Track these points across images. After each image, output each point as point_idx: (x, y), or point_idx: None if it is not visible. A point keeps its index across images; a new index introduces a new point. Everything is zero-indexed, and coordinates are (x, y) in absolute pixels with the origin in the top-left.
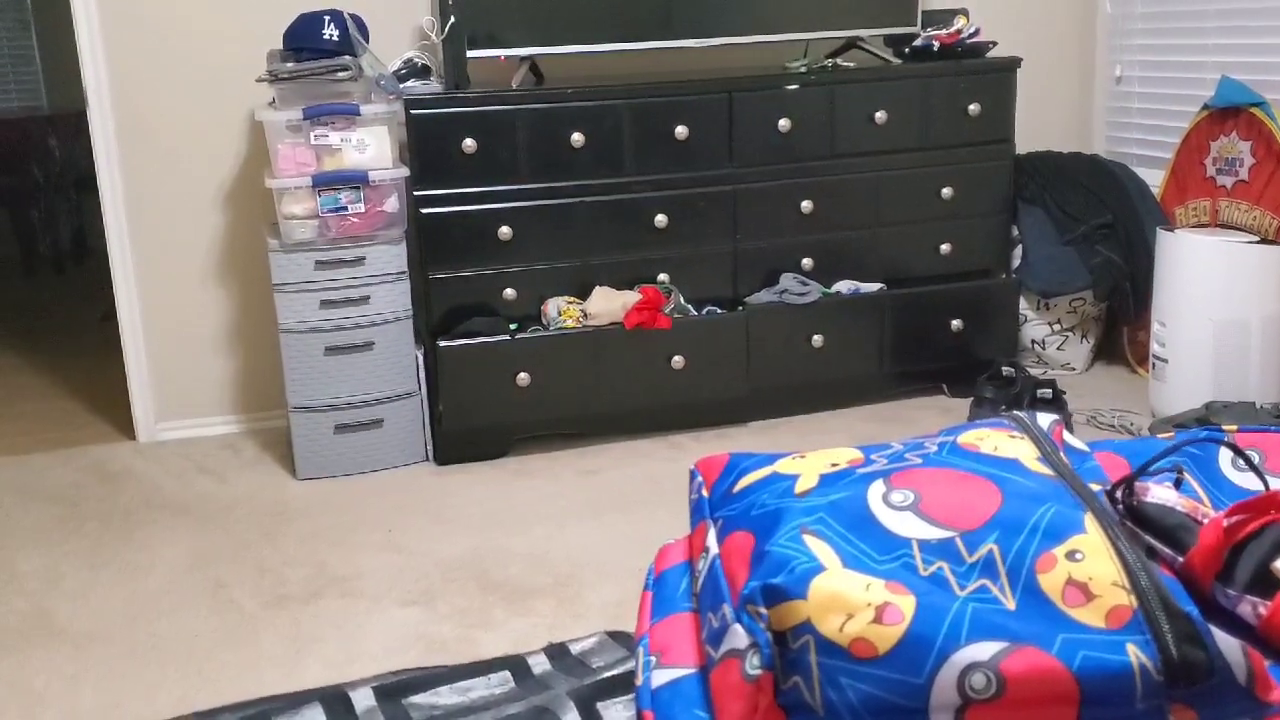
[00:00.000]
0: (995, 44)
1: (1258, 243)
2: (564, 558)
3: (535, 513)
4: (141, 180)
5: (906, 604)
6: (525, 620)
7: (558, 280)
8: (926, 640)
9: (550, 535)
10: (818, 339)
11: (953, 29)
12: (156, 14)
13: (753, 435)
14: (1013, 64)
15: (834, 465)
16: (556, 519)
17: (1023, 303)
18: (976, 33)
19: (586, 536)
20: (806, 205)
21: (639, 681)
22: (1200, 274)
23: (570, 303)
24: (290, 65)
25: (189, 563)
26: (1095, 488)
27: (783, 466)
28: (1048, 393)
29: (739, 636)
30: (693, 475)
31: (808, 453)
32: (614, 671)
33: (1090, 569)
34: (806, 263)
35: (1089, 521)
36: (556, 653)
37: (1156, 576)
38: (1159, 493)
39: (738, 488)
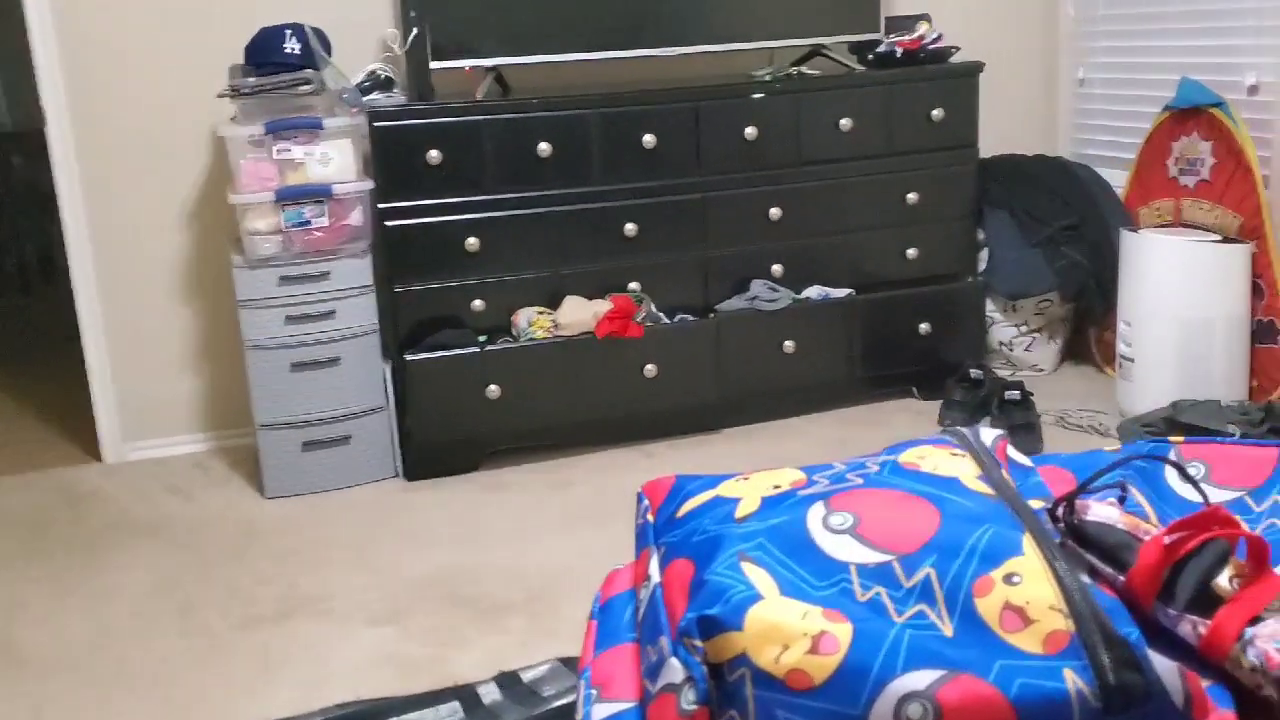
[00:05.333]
0: (958, 49)
1: (1220, 242)
2: (537, 573)
3: (508, 527)
4: (103, 198)
5: (843, 632)
6: (498, 638)
7: (527, 291)
8: (863, 670)
9: (523, 550)
10: (789, 345)
11: (915, 35)
12: (115, 30)
13: (726, 442)
14: (976, 69)
15: (776, 487)
16: (529, 533)
17: (990, 305)
18: (939, 38)
19: (560, 550)
20: (775, 212)
21: (579, 716)
22: (1165, 274)
23: (540, 313)
24: (252, 80)
25: (157, 585)
26: (1037, 505)
27: (726, 490)
28: (1016, 394)
29: (675, 670)
30: (639, 499)
31: (752, 474)
32: (564, 700)
33: (1028, 592)
34: (776, 269)
35: (1027, 543)
36: (507, 681)
37: (1094, 600)
38: (1100, 510)
39: (681, 512)
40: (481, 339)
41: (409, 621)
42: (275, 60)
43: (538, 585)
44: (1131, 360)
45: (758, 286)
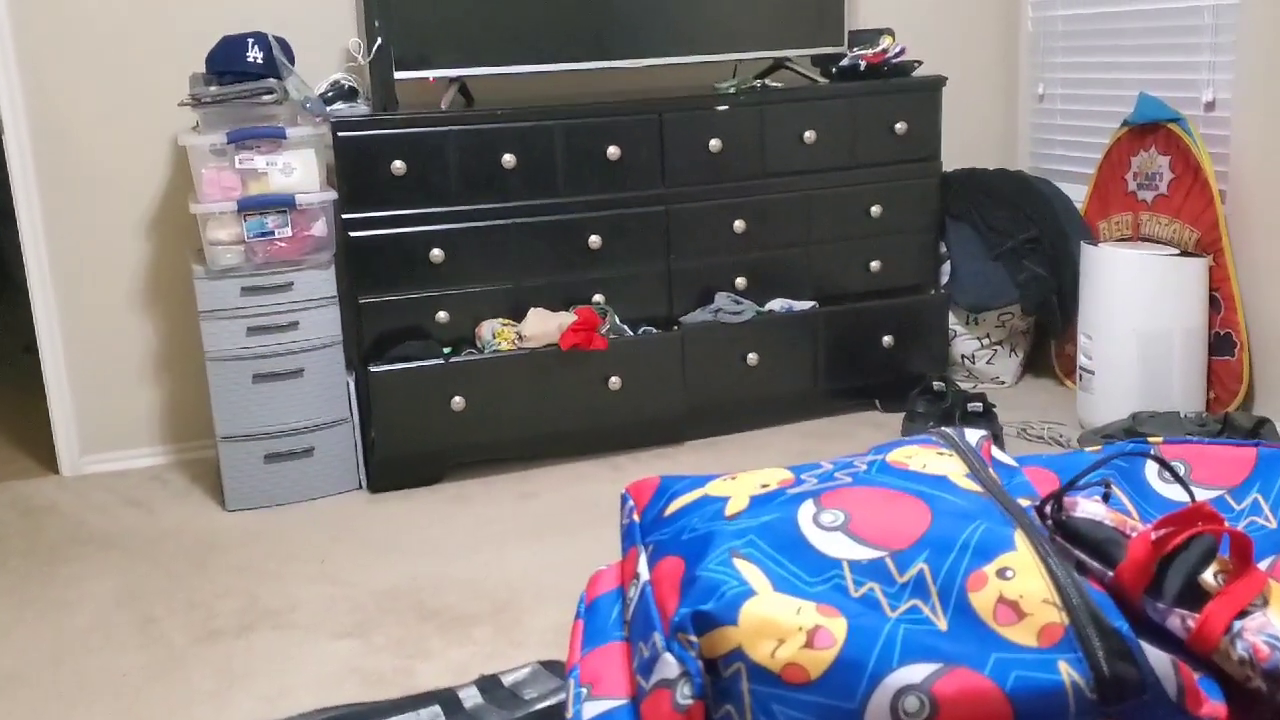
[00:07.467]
0: (920, 63)
1: (1178, 255)
2: (503, 584)
3: (473, 539)
4: (62, 208)
5: (838, 627)
6: (463, 649)
7: (492, 302)
8: (858, 664)
9: (488, 561)
10: (753, 357)
11: (879, 49)
12: (74, 38)
13: (691, 454)
14: (938, 83)
15: (764, 486)
16: (494, 544)
17: (952, 318)
18: (902, 52)
19: (525, 561)
20: (739, 225)
21: (570, 714)
22: (1124, 287)
23: (505, 325)
24: (214, 89)
25: (117, 598)
26: (1024, 503)
27: (713, 489)
28: (978, 406)
29: (670, 666)
30: (624, 499)
31: (739, 474)
32: (547, 703)
33: (1021, 587)
34: (740, 282)
35: (1019, 538)
36: (488, 685)
37: (1087, 593)
38: (1087, 507)
39: (669, 511)
40: (446, 351)
41: (373, 633)
42: (238, 69)
43: (503, 596)
44: (1091, 372)
45: (721, 299)
